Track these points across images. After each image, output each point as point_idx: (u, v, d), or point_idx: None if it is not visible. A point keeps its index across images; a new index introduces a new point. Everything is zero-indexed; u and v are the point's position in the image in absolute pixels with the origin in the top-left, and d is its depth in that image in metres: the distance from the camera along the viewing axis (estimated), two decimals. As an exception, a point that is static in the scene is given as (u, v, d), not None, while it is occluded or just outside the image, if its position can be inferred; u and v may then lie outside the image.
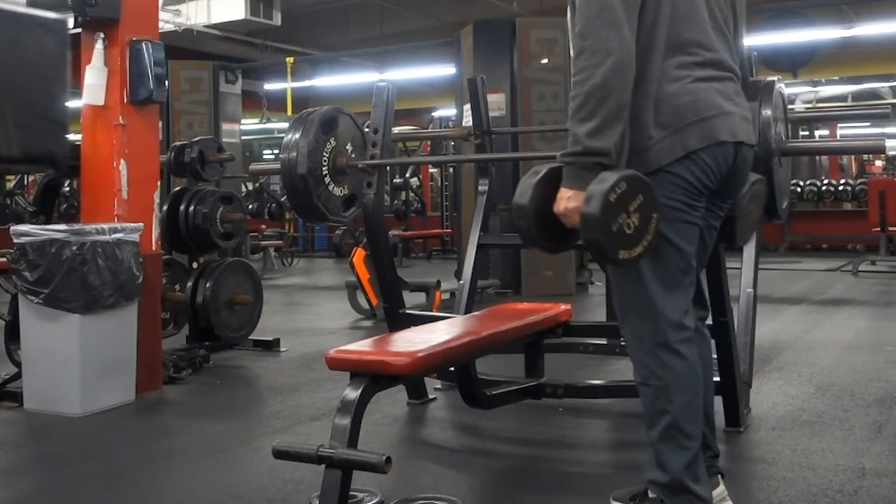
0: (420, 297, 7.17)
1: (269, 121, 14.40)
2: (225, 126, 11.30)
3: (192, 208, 5.10)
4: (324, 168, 3.48)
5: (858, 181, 14.79)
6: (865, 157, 18.87)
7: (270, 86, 13.83)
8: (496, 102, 7.88)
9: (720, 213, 2.31)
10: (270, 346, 5.37)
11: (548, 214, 2.06)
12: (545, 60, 8.28)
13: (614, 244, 1.96)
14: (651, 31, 2.08)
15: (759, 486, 2.69)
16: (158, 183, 4.34)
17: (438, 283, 7.06)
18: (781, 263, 10.49)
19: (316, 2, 12.94)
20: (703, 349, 2.36)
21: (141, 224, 4.03)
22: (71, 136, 4.47)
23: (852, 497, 2.59)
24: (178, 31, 10.37)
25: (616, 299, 2.27)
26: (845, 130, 19.10)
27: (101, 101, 4.06)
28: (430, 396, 3.93)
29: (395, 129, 5.24)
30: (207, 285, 5.06)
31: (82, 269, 3.68)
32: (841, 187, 13.99)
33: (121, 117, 4.08)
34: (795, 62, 12.28)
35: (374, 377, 2.29)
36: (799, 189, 13.66)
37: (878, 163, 19.70)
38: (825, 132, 18.40)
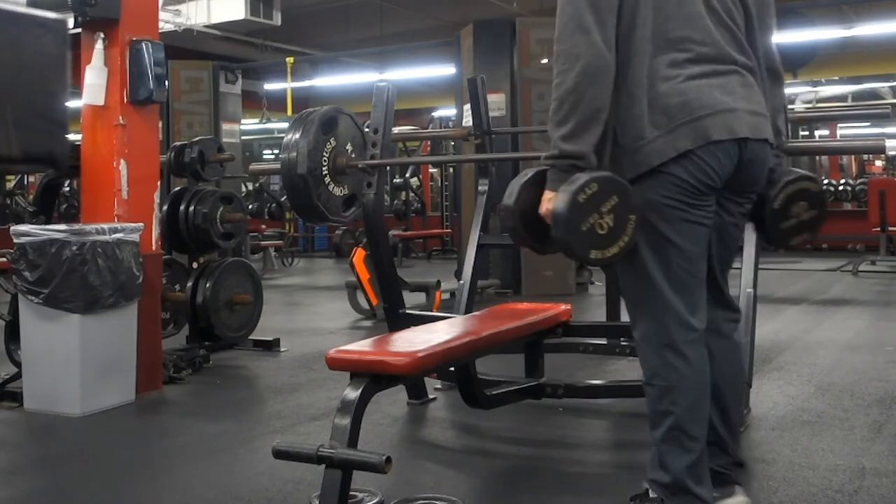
0: (420, 297, 7.17)
1: (269, 121, 14.40)
2: (225, 126, 11.31)
3: (192, 208, 5.10)
4: (324, 168, 3.48)
5: (858, 181, 14.80)
6: (865, 157, 18.86)
7: (270, 86, 13.83)
8: (496, 102, 7.88)
9: (740, 209, 2.25)
10: (270, 346, 5.37)
11: (535, 216, 2.12)
12: (545, 60, 8.28)
13: (584, 243, 2.02)
14: (630, 32, 2.09)
15: (759, 486, 2.69)
16: (158, 183, 4.34)
17: (438, 283, 7.06)
18: (781, 263, 10.49)
19: (316, 2, 12.94)
20: (727, 353, 2.28)
21: (141, 224, 4.03)
22: (71, 136, 4.47)
23: (852, 497, 2.59)
24: (178, 31, 10.37)
25: (626, 300, 2.29)
26: (845, 130, 19.09)
27: (101, 101, 4.06)
28: (430, 396, 3.93)
29: (395, 129, 5.24)
30: (207, 285, 5.06)
31: (82, 269, 3.68)
32: (841, 187, 13.99)
33: (121, 117, 4.08)
34: (795, 62, 12.29)
35: (374, 377, 2.29)
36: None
37: (878, 163, 19.69)
38: (825, 132, 18.39)
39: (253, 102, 13.84)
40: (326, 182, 3.49)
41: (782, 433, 3.29)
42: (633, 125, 2.09)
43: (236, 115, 11.70)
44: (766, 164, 2.23)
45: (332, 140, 3.52)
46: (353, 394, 2.24)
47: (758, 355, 4.16)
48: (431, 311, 5.66)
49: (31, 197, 13.69)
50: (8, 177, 14.05)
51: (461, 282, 4.15)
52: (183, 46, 12.12)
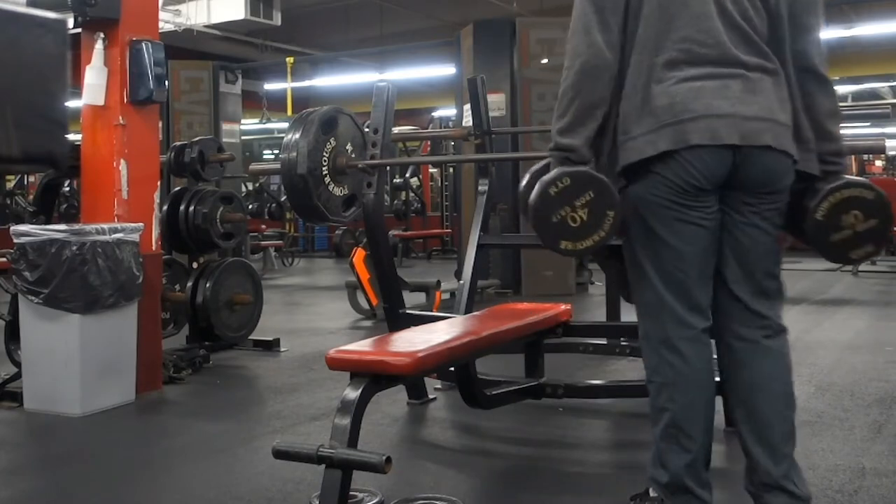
0: (420, 297, 7.17)
1: (269, 121, 14.38)
2: (225, 126, 11.32)
3: (192, 208, 5.10)
4: (324, 168, 3.48)
5: (858, 181, 14.75)
6: (865, 157, 18.85)
7: (270, 86, 13.84)
8: (496, 102, 7.88)
9: (753, 209, 2.13)
10: (270, 346, 5.37)
11: None
12: (545, 60, 8.28)
13: (553, 234, 2.09)
14: (635, 31, 2.12)
15: (759, 486, 2.69)
16: (158, 183, 4.34)
17: (438, 283, 7.06)
18: (781, 263, 10.48)
19: (316, 2, 12.94)
20: (760, 360, 2.14)
21: (141, 224, 4.03)
22: (71, 136, 4.47)
23: (852, 497, 2.59)
24: (178, 31, 10.38)
25: (632, 299, 2.32)
26: (845, 130, 18.92)
27: (101, 101, 4.06)
28: (430, 396, 3.93)
29: (395, 129, 5.24)
30: (207, 285, 5.06)
31: (82, 269, 3.68)
32: (841, 187, 13.94)
33: (121, 117, 4.08)
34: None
35: (374, 377, 2.29)
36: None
37: (878, 163, 19.70)
38: (825, 132, 18.34)
39: (253, 102, 13.84)
40: (326, 182, 3.49)
41: (782, 433, 3.29)
42: (625, 121, 2.12)
43: (236, 115, 11.71)
44: (775, 170, 2.10)
45: (332, 140, 3.52)
46: (353, 394, 2.24)
47: (758, 355, 4.16)
48: (431, 311, 5.66)
49: (31, 197, 13.69)
50: (8, 177, 14.05)
51: (461, 282, 4.15)
52: (183, 46, 12.12)
